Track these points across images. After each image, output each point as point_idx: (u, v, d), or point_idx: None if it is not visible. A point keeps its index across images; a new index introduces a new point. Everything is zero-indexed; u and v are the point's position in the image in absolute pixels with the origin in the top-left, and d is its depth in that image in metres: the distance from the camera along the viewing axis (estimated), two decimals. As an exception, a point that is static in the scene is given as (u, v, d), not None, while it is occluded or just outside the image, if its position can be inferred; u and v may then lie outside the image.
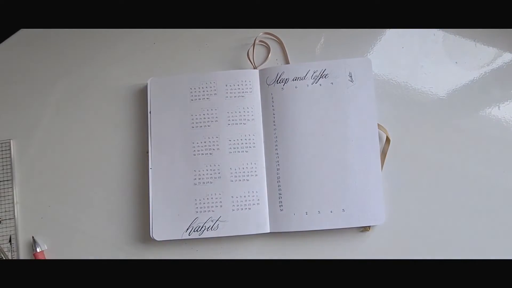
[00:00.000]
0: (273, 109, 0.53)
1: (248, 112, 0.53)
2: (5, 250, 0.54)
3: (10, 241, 0.54)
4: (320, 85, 0.53)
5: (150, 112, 0.54)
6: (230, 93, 0.54)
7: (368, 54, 0.56)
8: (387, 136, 0.53)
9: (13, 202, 0.55)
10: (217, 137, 0.53)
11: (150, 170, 0.53)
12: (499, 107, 0.54)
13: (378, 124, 0.52)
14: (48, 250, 0.54)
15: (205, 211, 0.51)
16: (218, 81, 0.54)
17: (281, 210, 0.51)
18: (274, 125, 0.53)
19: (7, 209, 0.55)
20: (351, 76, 0.53)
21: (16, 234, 0.54)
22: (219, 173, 0.52)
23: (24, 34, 0.59)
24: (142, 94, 0.57)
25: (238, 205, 0.51)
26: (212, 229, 0.51)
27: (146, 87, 0.55)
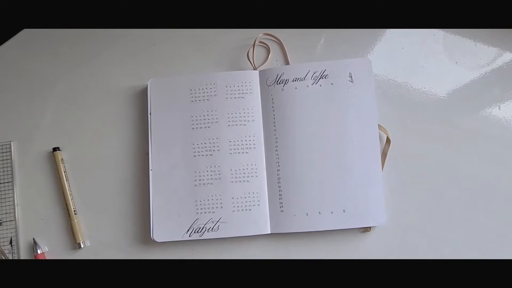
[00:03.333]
0: (273, 110, 0.53)
1: (248, 113, 0.53)
2: (5, 252, 0.54)
3: (10, 243, 0.54)
4: (320, 85, 0.53)
5: (150, 113, 0.54)
6: (230, 94, 0.54)
7: (368, 55, 0.56)
8: (387, 137, 0.52)
9: (13, 204, 0.55)
10: (217, 138, 0.53)
11: (150, 171, 0.53)
12: (499, 107, 0.54)
13: (378, 124, 0.52)
14: (48, 252, 0.54)
15: (206, 212, 0.51)
16: (218, 82, 0.54)
17: (282, 211, 0.51)
18: (274, 126, 0.53)
19: (7, 211, 0.55)
20: (351, 77, 0.53)
21: (16, 236, 0.54)
22: (219, 174, 0.52)
23: (23, 35, 0.59)
24: (142, 95, 0.57)
25: (238, 206, 0.51)
26: (213, 230, 0.51)
27: (146, 88, 0.55)
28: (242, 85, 0.54)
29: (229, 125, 0.53)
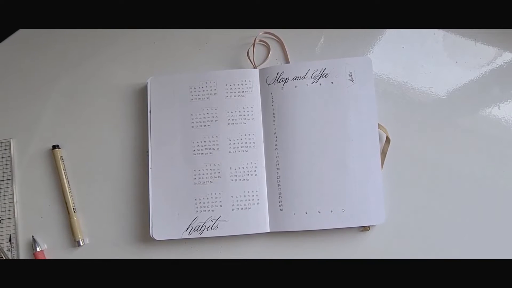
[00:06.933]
0: (273, 109, 0.53)
1: (248, 111, 0.53)
2: (5, 249, 0.54)
3: (10, 240, 0.54)
4: (320, 84, 0.53)
5: (150, 112, 0.54)
6: (230, 92, 0.54)
7: (369, 53, 0.56)
8: (387, 136, 0.53)
9: (13, 202, 0.55)
10: (217, 137, 0.53)
11: (150, 170, 0.52)
12: (499, 107, 0.54)
13: (378, 123, 0.52)
14: (48, 250, 0.54)
15: (205, 210, 0.51)
16: (218, 81, 0.54)
17: (281, 209, 0.51)
18: (274, 124, 0.53)
19: (7, 209, 0.55)
20: (351, 76, 0.53)
21: (16, 233, 0.54)
22: (219, 172, 0.52)
23: (24, 33, 0.59)
24: (142, 94, 0.56)
25: (238, 205, 0.51)
26: (212, 228, 0.51)
27: (146, 86, 0.55)
28: (242, 84, 0.54)
29: (229, 124, 0.53)
